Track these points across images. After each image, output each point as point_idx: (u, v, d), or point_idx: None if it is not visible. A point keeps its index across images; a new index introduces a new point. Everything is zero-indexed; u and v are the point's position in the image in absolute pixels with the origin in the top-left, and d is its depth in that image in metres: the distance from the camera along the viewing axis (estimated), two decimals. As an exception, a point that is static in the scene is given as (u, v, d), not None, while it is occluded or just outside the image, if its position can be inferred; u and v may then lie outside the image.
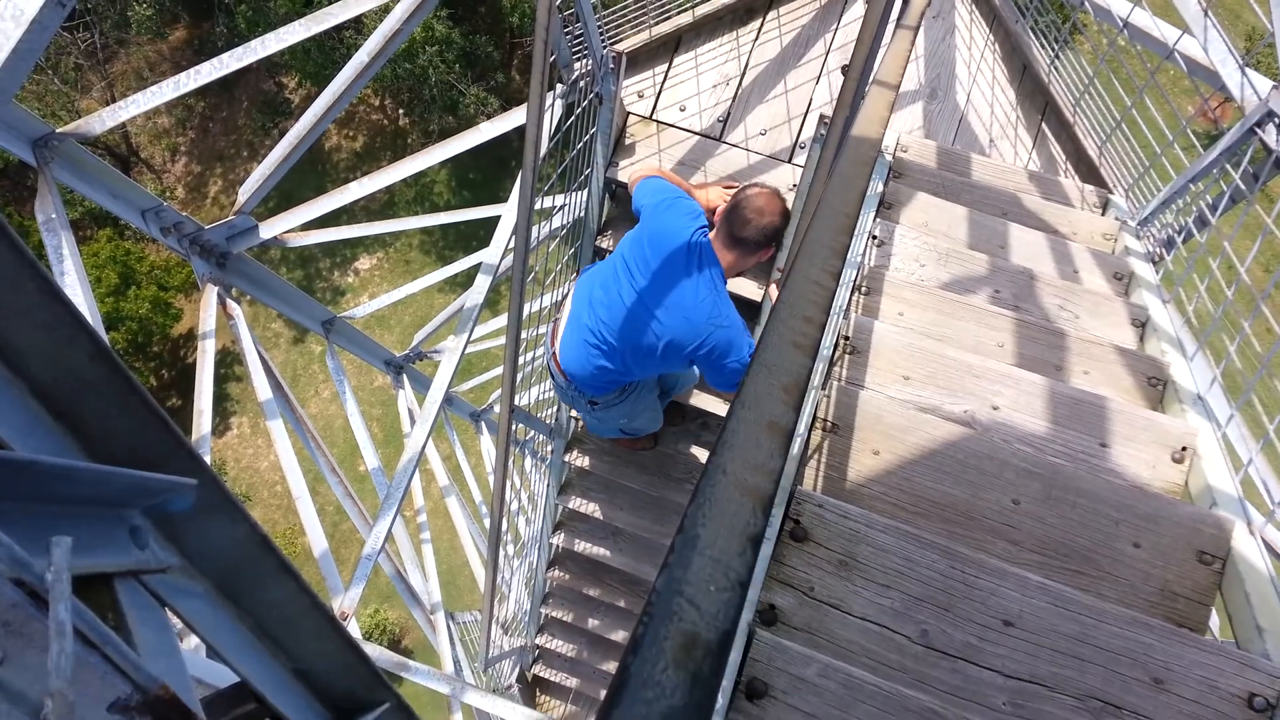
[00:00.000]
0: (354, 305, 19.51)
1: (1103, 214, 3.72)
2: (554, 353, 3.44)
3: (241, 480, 19.35)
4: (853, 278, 2.59)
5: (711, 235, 3.02)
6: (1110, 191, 3.91)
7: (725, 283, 2.96)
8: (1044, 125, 4.36)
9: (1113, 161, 4.01)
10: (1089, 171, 4.19)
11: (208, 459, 3.58)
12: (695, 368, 3.15)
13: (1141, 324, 2.92)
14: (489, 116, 18.29)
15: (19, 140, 2.80)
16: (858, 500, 1.94)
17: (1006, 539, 1.94)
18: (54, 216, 2.90)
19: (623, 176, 4.26)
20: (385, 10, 3.20)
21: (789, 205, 3.00)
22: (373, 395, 18.24)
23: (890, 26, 2.95)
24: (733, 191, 3.41)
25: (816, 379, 1.94)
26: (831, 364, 2.27)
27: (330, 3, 2.97)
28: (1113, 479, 2.09)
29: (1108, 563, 1.92)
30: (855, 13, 4.45)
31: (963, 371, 2.36)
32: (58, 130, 2.97)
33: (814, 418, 2.01)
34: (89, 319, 2.90)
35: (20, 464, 0.51)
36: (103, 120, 3.06)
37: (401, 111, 20.27)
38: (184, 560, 0.76)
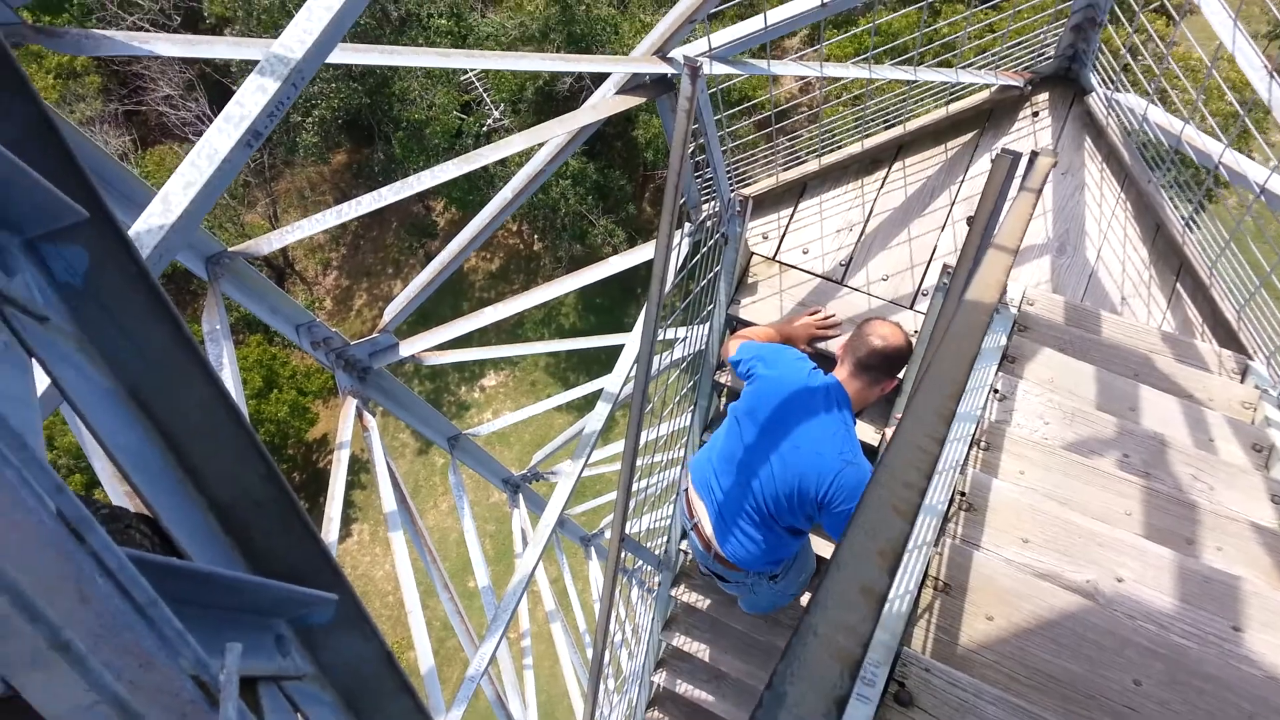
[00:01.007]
0: (478, 421, 20.08)
1: (1241, 381, 3.58)
2: (715, 553, 3.30)
3: (356, 587, 19.71)
4: (971, 432, 2.57)
5: (836, 370, 3.02)
6: (1250, 357, 3.78)
7: (855, 420, 2.91)
8: (1179, 285, 4.26)
9: (1253, 326, 3.88)
10: (1227, 335, 4.05)
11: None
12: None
13: (1283, 499, 2.78)
14: (615, 248, 18.91)
15: (195, 257, 3.09)
16: (968, 667, 1.88)
17: (1128, 720, 1.85)
18: (218, 328, 3.16)
19: (744, 314, 4.36)
20: (528, 151, 3.44)
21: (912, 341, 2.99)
22: (488, 511, 18.55)
23: (1016, 185, 3.00)
24: (819, 318, 3.42)
25: (930, 533, 1.92)
26: (946, 520, 2.24)
27: (479, 140, 3.21)
28: (1245, 666, 1.97)
29: (1238, 755, 1.80)
30: (981, 166, 4.51)
31: (1086, 538, 2.28)
32: (229, 249, 3.27)
33: (925, 575, 1.98)
34: (235, 395, 3.10)
35: (203, 575, 0.58)
36: (270, 242, 3.35)
37: (536, 237, 21.23)
38: (318, 670, 0.83)
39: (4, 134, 0.58)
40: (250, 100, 2.00)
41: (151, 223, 1.83)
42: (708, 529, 3.32)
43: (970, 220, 4.37)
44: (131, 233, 1.87)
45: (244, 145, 1.97)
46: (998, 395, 2.91)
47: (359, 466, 19.68)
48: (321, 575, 0.81)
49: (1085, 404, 3.05)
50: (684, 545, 5.25)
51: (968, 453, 2.52)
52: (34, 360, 0.58)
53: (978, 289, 1.45)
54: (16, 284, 0.57)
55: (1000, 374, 3.03)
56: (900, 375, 3.02)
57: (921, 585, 1.97)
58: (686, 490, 3.47)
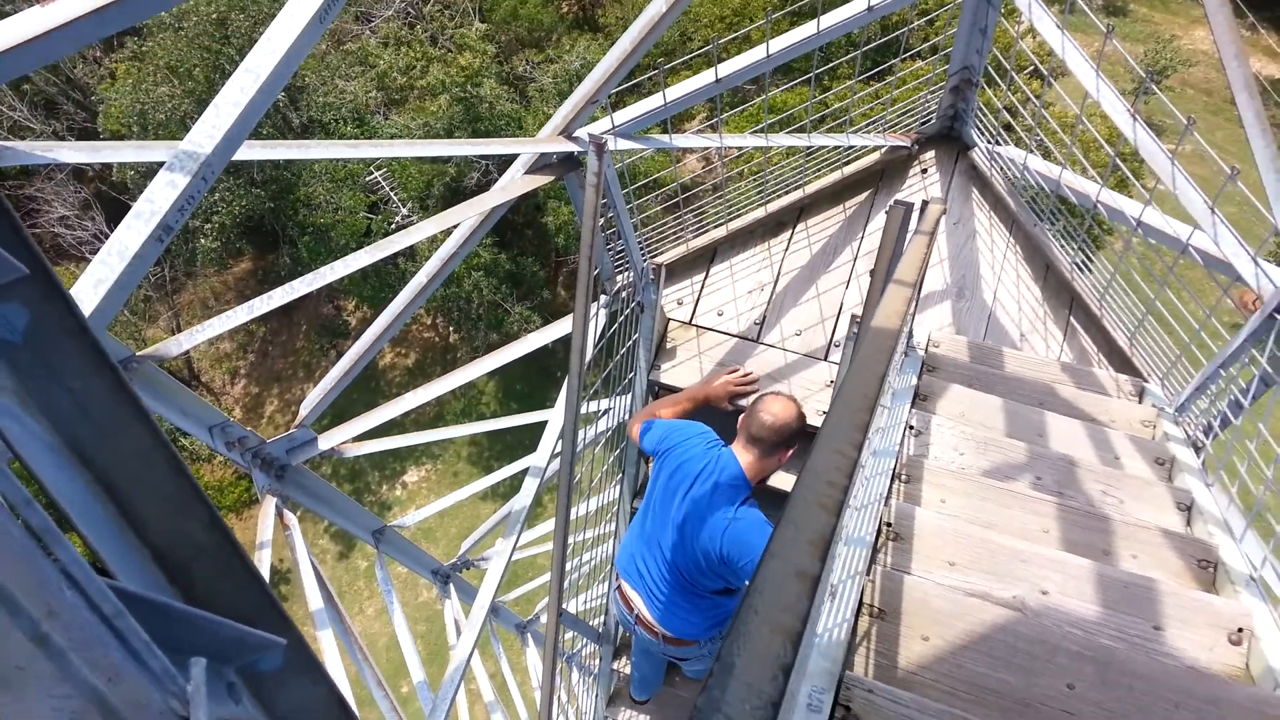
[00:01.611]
0: (403, 513, 19.61)
1: (1139, 401, 3.77)
2: (664, 636, 3.42)
3: (284, 702, 18.87)
4: (892, 466, 2.65)
5: (735, 442, 3.15)
6: (1145, 380, 3.98)
7: (749, 486, 3.05)
8: (1072, 319, 4.50)
9: (1145, 351, 4.11)
10: (1122, 362, 4.28)
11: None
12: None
13: (1187, 507, 2.92)
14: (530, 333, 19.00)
15: (106, 363, 3.03)
16: (909, 687, 1.92)
17: (1065, 726, 1.90)
18: (132, 432, 3.08)
19: (665, 379, 4.43)
20: (437, 241, 3.47)
21: (803, 411, 3.16)
22: (417, 611, 18.06)
23: (909, 233, 3.16)
24: (736, 376, 3.52)
25: (862, 563, 1.98)
26: (875, 550, 2.30)
27: (388, 234, 3.25)
28: (1168, 662, 2.06)
29: (1172, 749, 1.87)
30: (878, 222, 4.72)
31: (1009, 556, 2.37)
32: (138, 354, 3.21)
33: (860, 603, 2.03)
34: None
35: (155, 604, 0.60)
36: (179, 343, 3.31)
37: (451, 329, 21.17)
38: (267, 718, 0.83)
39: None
40: (160, 195, 2.01)
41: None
42: (648, 615, 3.39)
43: (872, 273, 4.56)
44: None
45: (155, 240, 1.97)
46: (914, 431, 3.02)
47: (279, 578, 19.00)
48: (268, 619, 0.81)
49: (996, 433, 3.17)
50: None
51: (890, 486, 2.60)
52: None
53: (881, 317, 1.54)
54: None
55: (914, 411, 3.14)
56: (791, 447, 3.15)
57: (858, 613, 2.01)
58: (619, 586, 3.55)
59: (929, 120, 4.83)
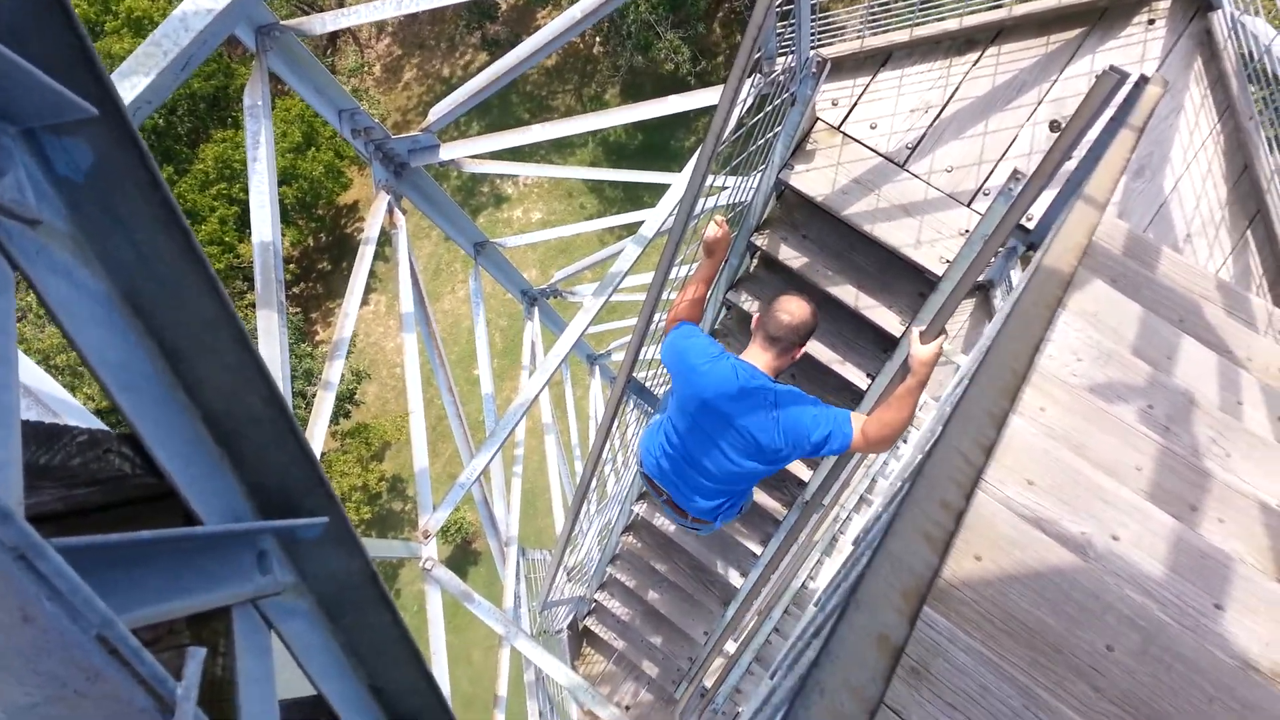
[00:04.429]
0: (511, 214, 19.91)
1: (1288, 346, 3.47)
2: (691, 517, 3.74)
3: (366, 355, 20.18)
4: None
5: (751, 342, 3.21)
6: (1305, 322, 3.64)
7: (772, 380, 3.13)
8: (1249, 233, 4.06)
9: (1316, 290, 3.73)
10: (1288, 295, 3.91)
11: (344, 355, 3.75)
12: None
13: (1299, 481, 2.73)
14: (677, 65, 18.05)
15: (246, 26, 2.94)
16: (945, 600, 1.89)
17: (1089, 682, 1.86)
18: (259, 104, 3.05)
19: (795, 181, 4.18)
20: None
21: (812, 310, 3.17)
22: (502, 305, 18.64)
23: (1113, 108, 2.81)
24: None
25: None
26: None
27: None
28: (1218, 651, 1.98)
29: (1190, 739, 1.83)
30: (1080, 67, 4.21)
31: (1092, 492, 2.25)
32: (281, 22, 3.10)
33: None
34: (268, 186, 3.02)
35: (162, 540, 0.54)
36: (324, 22, 3.19)
37: (598, 39, 20.37)
38: (299, 579, 0.80)
39: (6, 9, 0.49)
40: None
41: (200, 4, 1.70)
42: (676, 502, 3.66)
43: (1054, 125, 4.13)
44: (178, 11, 1.75)
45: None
46: (1038, 324, 2.82)
47: (384, 239, 19.67)
48: (315, 494, 0.77)
49: (1123, 347, 2.95)
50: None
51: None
52: (16, 273, 0.52)
53: (1056, 253, 1.34)
54: (6, 184, 0.50)
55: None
56: (805, 343, 3.20)
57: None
58: (647, 476, 3.77)
59: (1182, -40, 4.17)
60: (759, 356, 3.14)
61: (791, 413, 3.06)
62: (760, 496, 5.45)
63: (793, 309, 3.12)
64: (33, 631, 0.39)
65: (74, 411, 1.52)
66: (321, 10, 20.59)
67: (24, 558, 0.37)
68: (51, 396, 1.50)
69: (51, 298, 0.54)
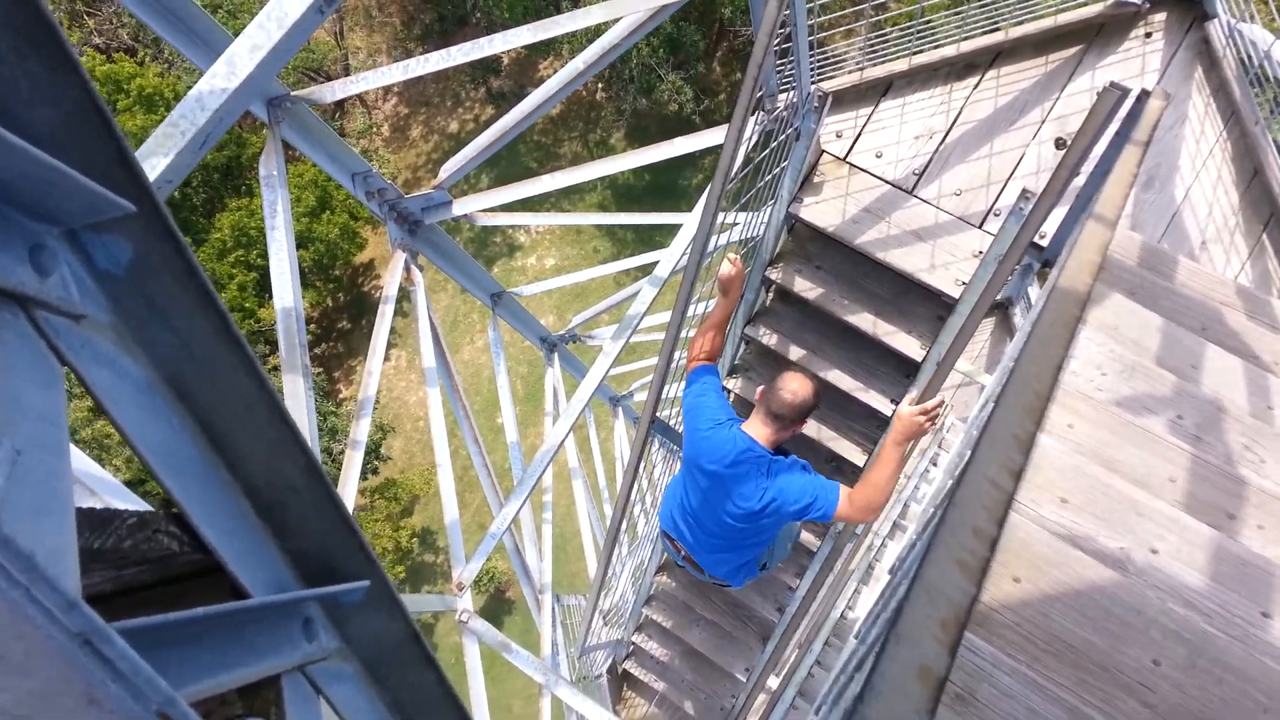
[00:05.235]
0: (525, 261, 20.06)
1: (1315, 346, 3.43)
2: (710, 576, 3.95)
3: (389, 410, 20.27)
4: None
5: (752, 415, 3.33)
6: (1329, 321, 3.61)
7: (769, 453, 3.25)
8: (1265, 237, 4.05)
9: (1339, 289, 3.71)
10: (1310, 294, 3.88)
11: (370, 412, 3.78)
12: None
13: (1338, 483, 2.69)
14: (681, 105, 18.19)
15: (257, 99, 3.01)
16: (987, 624, 1.87)
17: (1139, 699, 1.84)
18: (275, 174, 3.11)
19: (805, 214, 4.21)
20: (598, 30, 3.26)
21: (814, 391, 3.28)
22: (521, 353, 18.73)
23: (1116, 124, 2.82)
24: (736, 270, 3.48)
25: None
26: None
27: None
28: (1268, 660, 1.95)
29: (1246, 752, 1.80)
30: (1081, 84, 4.23)
31: (1127, 506, 2.24)
32: (293, 93, 3.17)
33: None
34: (288, 252, 3.06)
35: (214, 617, 0.55)
36: (334, 90, 3.26)
37: (600, 86, 20.62)
38: (343, 644, 0.82)
39: (48, 119, 0.52)
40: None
41: (215, 84, 1.75)
42: (694, 560, 3.82)
43: (1059, 143, 4.15)
44: (194, 92, 1.80)
45: (315, 11, 1.87)
46: (1058, 341, 2.81)
47: (402, 295, 19.82)
48: (354, 560, 0.78)
49: (1147, 358, 2.94)
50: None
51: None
52: (65, 368, 0.54)
53: (1071, 273, 1.35)
54: (52, 283, 0.53)
55: (1064, 318, 2.91)
56: (804, 421, 3.33)
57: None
58: (666, 535, 3.95)
59: (1173, -29, 4.20)
60: (759, 431, 3.26)
61: (780, 481, 3.21)
62: (792, 529, 5.41)
63: (795, 388, 3.24)
64: (98, 714, 0.40)
65: (108, 487, 1.55)
66: (329, 77, 20.99)
67: (89, 643, 0.39)
68: (86, 474, 1.52)
69: (98, 388, 0.56)
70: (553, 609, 5.79)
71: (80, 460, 1.42)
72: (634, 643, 6.52)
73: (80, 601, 0.39)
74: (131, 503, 1.27)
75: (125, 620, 0.47)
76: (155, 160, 1.82)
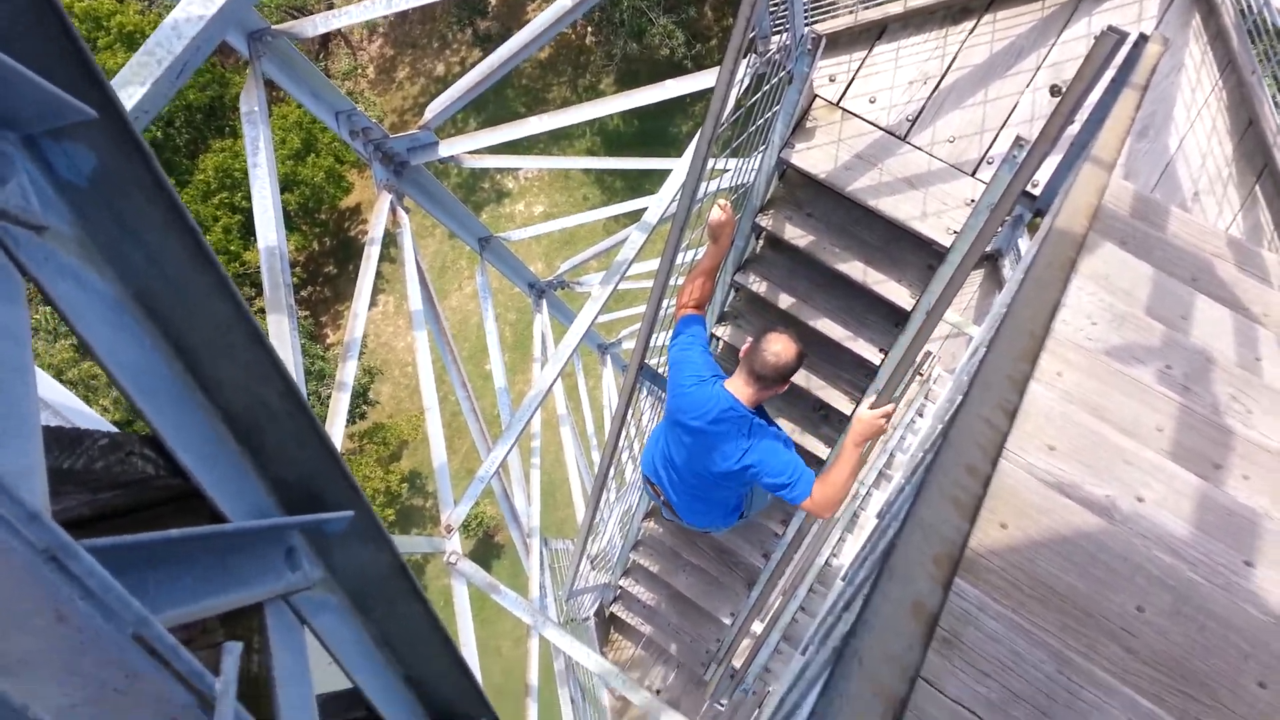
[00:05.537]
0: (513, 208, 19.88)
1: (1304, 298, 3.43)
2: (688, 524, 4.01)
3: (377, 355, 20.21)
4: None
5: (735, 374, 3.32)
6: (1319, 273, 3.61)
7: (750, 413, 3.26)
8: (1258, 188, 4.03)
9: (1329, 240, 3.70)
10: (1300, 246, 3.87)
11: (356, 354, 3.75)
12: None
13: (1322, 434, 2.70)
14: (672, 50, 17.93)
15: (238, 32, 2.93)
16: (974, 570, 1.88)
17: (1122, 645, 1.86)
18: (256, 109, 3.04)
19: (797, 159, 4.16)
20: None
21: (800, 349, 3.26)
22: (509, 300, 18.64)
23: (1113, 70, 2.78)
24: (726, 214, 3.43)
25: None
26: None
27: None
28: (1251, 608, 1.97)
29: (1226, 695, 1.82)
30: (1078, 29, 4.17)
31: (1114, 454, 2.24)
32: (274, 27, 3.09)
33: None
34: (270, 190, 3.02)
35: (195, 538, 0.54)
36: (315, 25, 3.18)
37: (590, 30, 20.28)
38: (328, 574, 0.80)
39: (-2, 13, 0.49)
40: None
41: (192, 11, 1.69)
42: (673, 508, 3.85)
43: (1054, 90, 4.10)
44: (169, 20, 1.74)
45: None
46: (1050, 289, 2.80)
47: (388, 240, 19.63)
48: (337, 486, 0.77)
49: (1137, 308, 2.93)
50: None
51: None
52: (26, 280, 0.51)
53: (1068, 215, 1.33)
54: (10, 191, 0.50)
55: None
56: (787, 382, 3.31)
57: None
58: (647, 480, 3.97)
59: (1173, -86, 4.12)
60: (741, 390, 3.25)
61: (762, 447, 3.23)
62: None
63: (778, 350, 3.22)
64: (67, 632, 0.39)
65: (91, 421, 1.52)
66: (312, 14, 20.54)
67: (55, 558, 0.37)
68: (67, 408, 1.50)
69: (63, 302, 0.54)
70: (540, 553, 5.82)
71: (50, 388, 1.40)
72: (621, 587, 6.59)
73: (44, 515, 0.37)
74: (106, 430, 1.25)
75: (96, 539, 0.45)
76: (131, 89, 1.77)
